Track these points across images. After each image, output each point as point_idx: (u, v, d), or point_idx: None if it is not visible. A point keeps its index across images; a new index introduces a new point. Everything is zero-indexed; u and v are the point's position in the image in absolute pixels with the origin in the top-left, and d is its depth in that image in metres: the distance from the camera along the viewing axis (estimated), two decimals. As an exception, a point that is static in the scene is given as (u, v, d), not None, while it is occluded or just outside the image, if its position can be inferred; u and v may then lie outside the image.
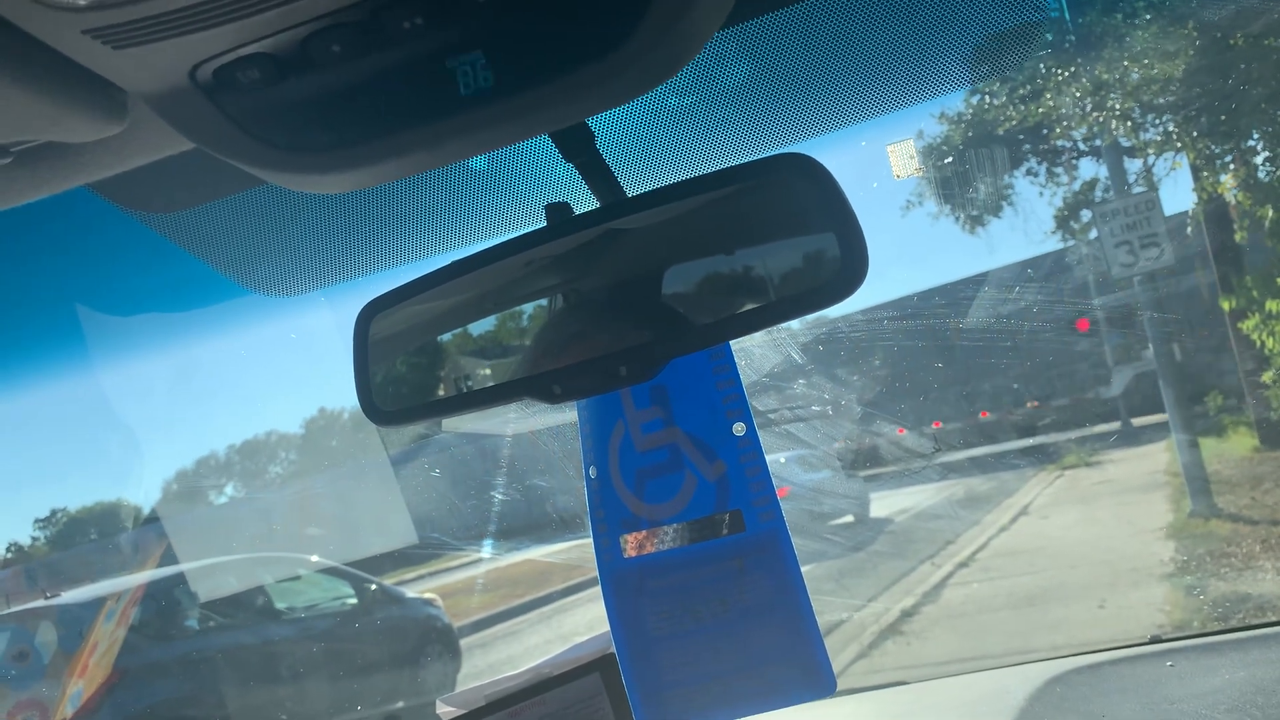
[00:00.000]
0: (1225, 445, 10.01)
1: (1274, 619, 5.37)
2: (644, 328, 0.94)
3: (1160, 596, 6.35)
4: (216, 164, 0.94)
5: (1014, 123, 10.10)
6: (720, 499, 0.99)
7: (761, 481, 0.98)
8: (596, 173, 1.00)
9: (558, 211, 0.99)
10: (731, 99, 0.99)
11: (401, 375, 1.04)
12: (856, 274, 0.85)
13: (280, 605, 7.76)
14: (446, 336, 1.02)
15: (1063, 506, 10.16)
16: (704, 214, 0.93)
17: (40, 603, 6.65)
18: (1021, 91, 9.94)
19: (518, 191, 1.08)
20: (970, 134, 10.38)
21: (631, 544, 1.03)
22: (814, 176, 0.85)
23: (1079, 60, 8.95)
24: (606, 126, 1.03)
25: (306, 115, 0.74)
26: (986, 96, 10.22)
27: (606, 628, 1.49)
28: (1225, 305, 8.80)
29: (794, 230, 0.90)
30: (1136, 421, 13.10)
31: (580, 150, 0.98)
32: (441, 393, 1.01)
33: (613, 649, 1.42)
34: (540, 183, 1.08)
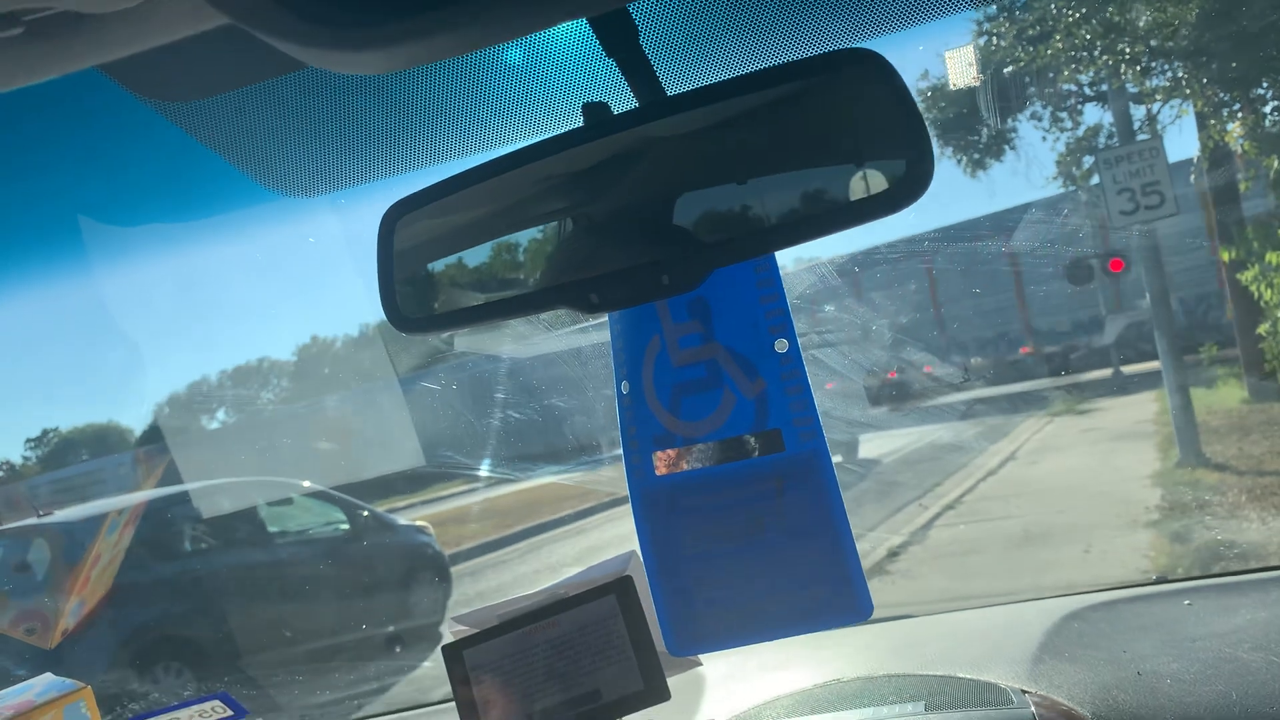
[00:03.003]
0: (1216, 396, 10.07)
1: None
2: (686, 235, 0.89)
3: (1145, 542, 6.42)
4: (240, 47, 0.88)
5: (1021, 64, 9.95)
6: (759, 417, 0.96)
7: (803, 400, 0.95)
8: (638, 70, 0.94)
9: (595, 111, 0.94)
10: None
11: (427, 281, 0.99)
12: (920, 182, 0.80)
13: (272, 529, 7.80)
14: (476, 241, 0.98)
15: (1051, 452, 10.23)
16: (753, 115, 0.88)
17: (34, 520, 6.67)
18: (1031, 33, 9.78)
19: (553, 89, 1.02)
20: (980, 73, 10.22)
21: (664, 461, 1.00)
22: (879, 75, 0.80)
23: (1091, 1, 8.79)
24: (649, 20, 0.97)
25: None
26: (993, 38, 10.06)
27: (617, 551, 1.47)
28: (1225, 256, 8.77)
29: (852, 133, 0.85)
30: (1128, 370, 13.14)
31: (622, 44, 0.93)
32: (470, 300, 0.97)
33: (629, 571, 1.40)
34: (578, 82, 1.03)
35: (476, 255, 0.97)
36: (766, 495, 0.96)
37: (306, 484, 8.08)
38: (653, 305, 1.01)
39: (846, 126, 0.85)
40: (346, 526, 7.93)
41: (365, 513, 8.08)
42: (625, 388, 1.02)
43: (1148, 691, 1.20)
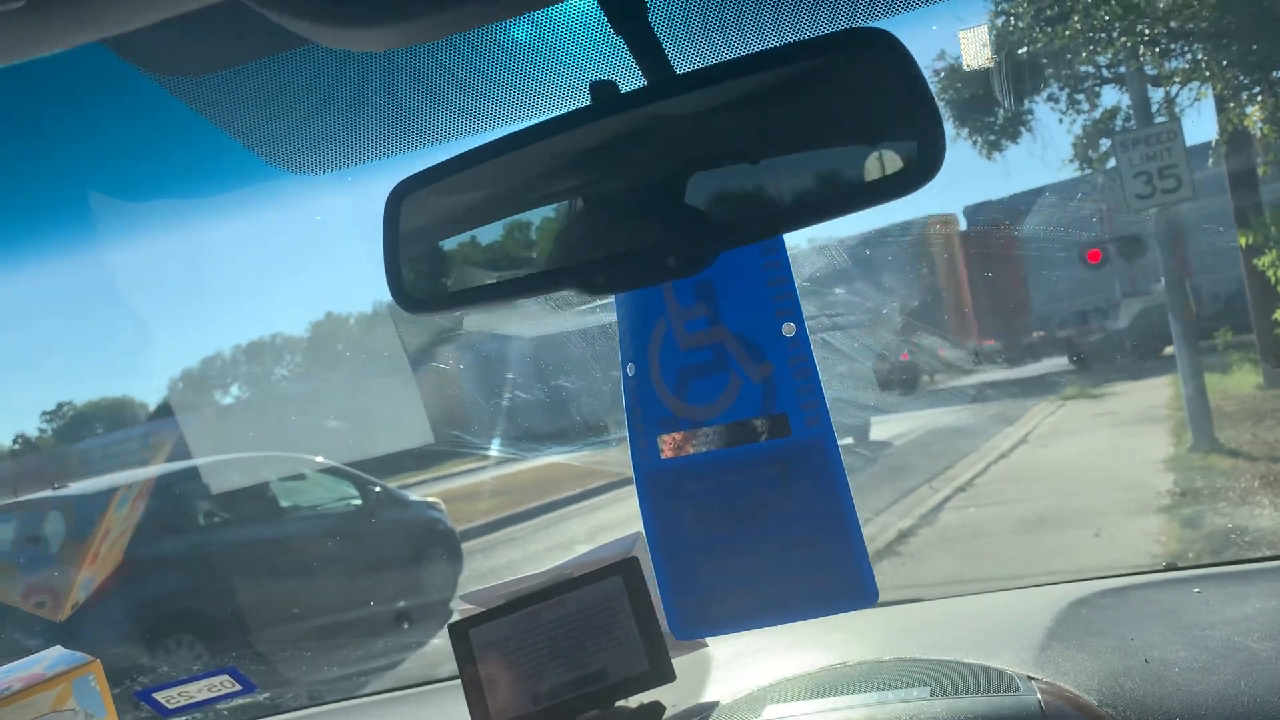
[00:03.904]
0: (1230, 381, 10.01)
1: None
2: (694, 217, 0.88)
3: (1156, 527, 6.39)
4: (245, 21, 0.87)
5: (1039, 45, 9.85)
6: (766, 402, 0.95)
7: (810, 385, 0.94)
8: (646, 47, 0.93)
9: (603, 90, 0.93)
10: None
11: (433, 261, 0.99)
12: (931, 165, 0.79)
13: (284, 504, 7.84)
14: (482, 221, 0.97)
15: (1063, 436, 10.20)
16: (762, 95, 0.87)
17: (48, 493, 6.71)
18: (1048, 13, 9.68)
19: (560, 66, 1.01)
20: (995, 54, 10.12)
21: (669, 445, 0.99)
22: (891, 55, 0.79)
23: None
24: (659, -2, 0.95)
25: None
26: (1011, 18, 9.96)
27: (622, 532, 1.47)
28: (1242, 240, 8.70)
29: (863, 114, 0.84)
30: (1142, 354, 13.07)
31: (630, 20, 0.91)
32: (476, 281, 0.96)
33: (635, 553, 1.40)
34: (585, 59, 1.01)
35: (482, 235, 0.97)
36: (772, 480, 0.95)
37: (319, 459, 8.12)
38: (659, 288, 1.00)
39: (857, 107, 0.84)
40: (359, 502, 7.97)
41: (377, 488, 8.11)
42: (631, 370, 1.01)
43: (1155, 680, 1.19)
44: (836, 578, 0.94)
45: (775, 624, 0.99)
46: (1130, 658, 1.26)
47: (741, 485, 0.96)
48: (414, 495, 8.78)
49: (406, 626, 6.69)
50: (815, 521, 0.94)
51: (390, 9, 0.70)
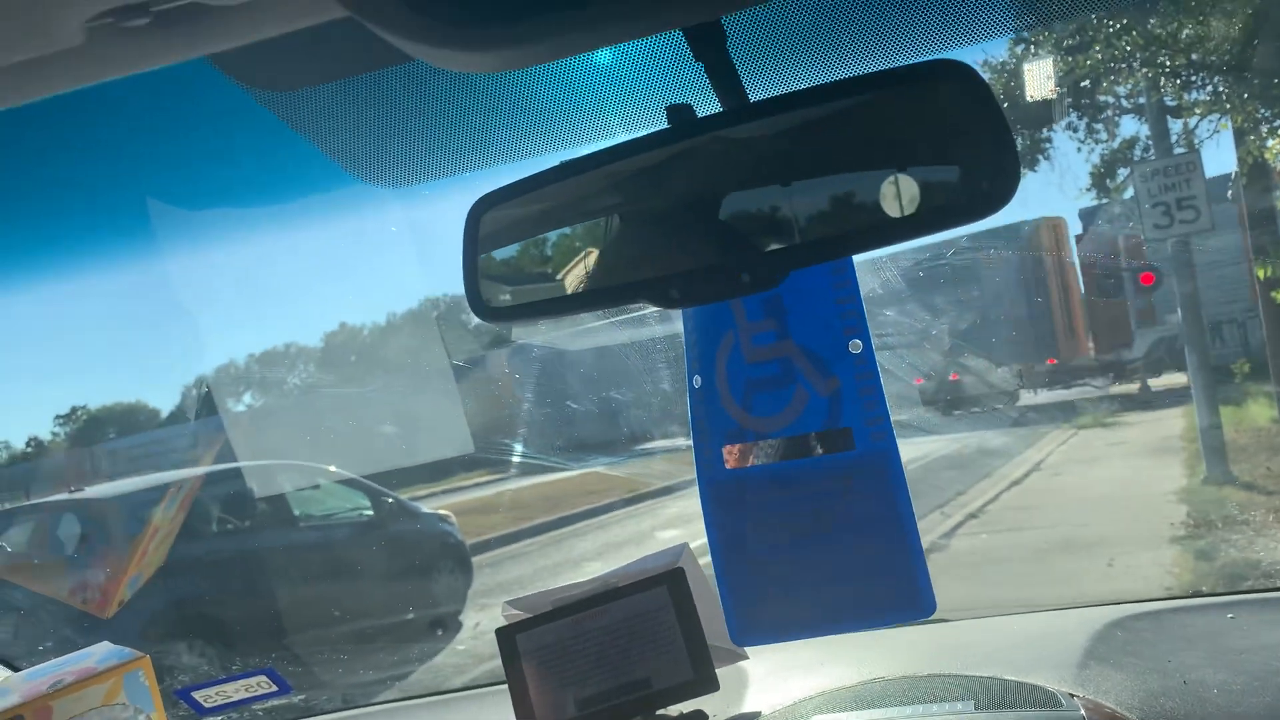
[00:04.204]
0: (1245, 414, 9.97)
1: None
2: (767, 236, 0.92)
3: (1169, 558, 6.37)
4: (346, 39, 0.91)
5: (1060, 74, 9.89)
6: (832, 415, 0.98)
7: (875, 400, 0.97)
8: (724, 75, 0.97)
9: (680, 114, 0.97)
10: (871, 4, 0.95)
11: (510, 273, 1.02)
12: (1004, 192, 0.82)
13: (295, 512, 7.87)
14: (558, 236, 1.01)
15: (1076, 464, 10.16)
16: (836, 122, 0.90)
17: (72, 494, 6.77)
18: (1069, 43, 9.71)
19: (640, 90, 1.05)
20: (1012, 84, 10.17)
21: (734, 456, 1.02)
22: (967, 85, 0.83)
23: (1131, 13, 8.72)
24: (738, 27, 0.99)
25: None
26: (1031, 46, 10.00)
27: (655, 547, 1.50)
28: (1260, 273, 8.69)
29: (936, 141, 0.87)
30: (1155, 384, 13.04)
31: (710, 49, 0.95)
32: (551, 293, 1.00)
33: (681, 564, 1.43)
34: (663, 85, 1.05)
35: (558, 249, 1.00)
36: (835, 492, 0.98)
37: (332, 469, 8.16)
38: (728, 303, 1.03)
39: (930, 135, 0.87)
40: (370, 513, 8.00)
41: (389, 500, 8.14)
42: (698, 382, 1.04)
43: (1195, 700, 1.21)
44: (896, 589, 0.97)
45: (834, 633, 1.02)
46: (1168, 679, 1.28)
47: (805, 497, 0.99)
48: (425, 507, 8.81)
49: (425, 636, 6.71)
50: (877, 534, 0.97)
51: (498, 35, 0.73)
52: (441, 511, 8.57)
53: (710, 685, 1.37)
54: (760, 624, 1.04)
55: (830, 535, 0.98)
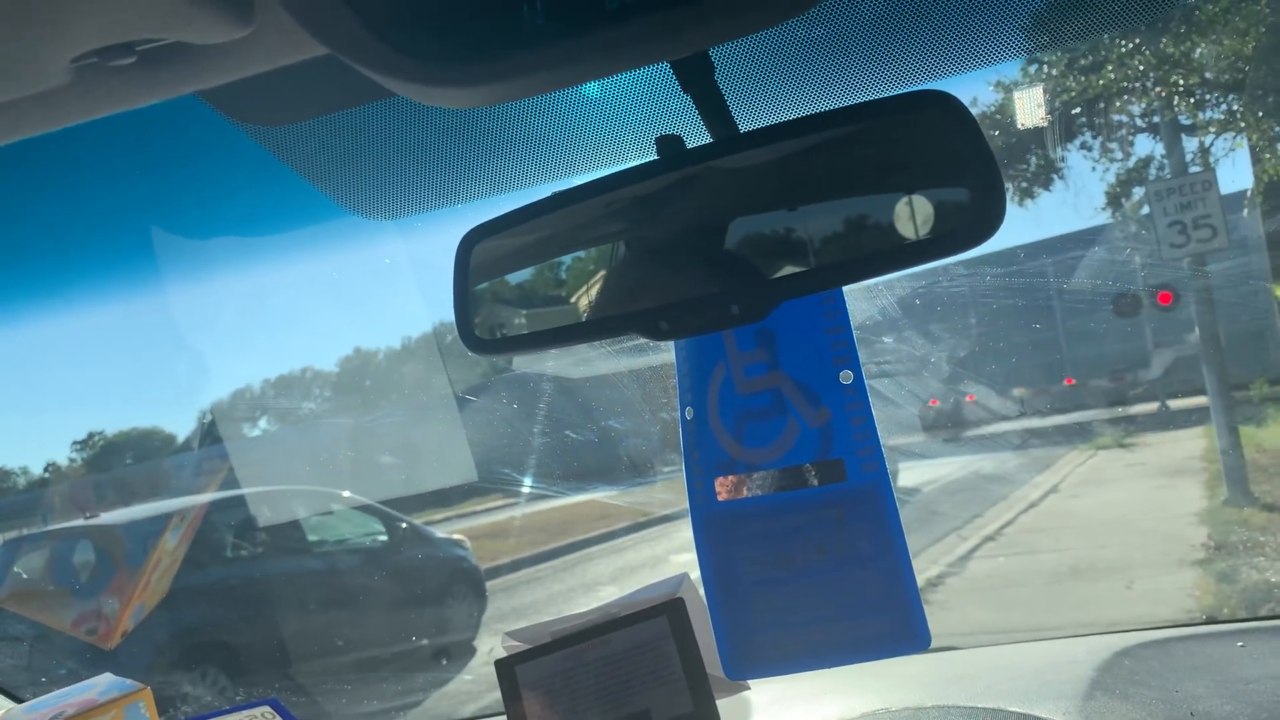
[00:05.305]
0: (1265, 434, 9.88)
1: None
2: (757, 267, 0.92)
3: (1189, 581, 6.30)
4: (332, 76, 0.92)
5: (1072, 94, 9.88)
6: (823, 447, 0.97)
7: (866, 431, 0.96)
8: (712, 106, 0.97)
9: (669, 144, 0.97)
10: (860, 35, 0.96)
11: (501, 305, 1.02)
12: (991, 222, 0.82)
13: (311, 539, 7.87)
14: (548, 268, 1.01)
15: (1094, 486, 10.08)
16: (824, 152, 0.90)
17: (80, 521, 6.79)
18: (1082, 62, 9.72)
19: (628, 122, 1.05)
20: (1025, 103, 10.17)
21: (726, 487, 1.02)
22: (952, 115, 0.82)
23: (1145, 32, 8.72)
24: (726, 58, 1.00)
25: (445, 23, 0.72)
26: (1045, 66, 10.00)
27: (656, 577, 1.49)
28: (1277, 291, 8.63)
29: (923, 172, 0.87)
30: (1174, 404, 12.94)
31: (698, 81, 0.95)
32: (541, 324, 1.00)
33: (681, 594, 1.42)
34: (651, 116, 1.05)
35: (548, 280, 1.00)
36: (827, 524, 0.97)
37: (346, 494, 8.17)
38: (719, 334, 1.03)
39: (917, 166, 0.87)
40: (385, 538, 8.00)
41: (404, 525, 8.14)
42: (689, 414, 1.04)
43: (1202, 732, 1.19)
44: (890, 622, 0.96)
45: (828, 666, 1.01)
46: (1175, 709, 1.26)
47: (797, 529, 0.99)
48: (439, 532, 8.81)
49: (437, 663, 6.69)
50: (870, 566, 0.96)
51: (480, 71, 0.73)
52: (456, 536, 8.57)
53: (711, 717, 1.35)
54: (753, 657, 1.03)
55: (823, 567, 0.98)
